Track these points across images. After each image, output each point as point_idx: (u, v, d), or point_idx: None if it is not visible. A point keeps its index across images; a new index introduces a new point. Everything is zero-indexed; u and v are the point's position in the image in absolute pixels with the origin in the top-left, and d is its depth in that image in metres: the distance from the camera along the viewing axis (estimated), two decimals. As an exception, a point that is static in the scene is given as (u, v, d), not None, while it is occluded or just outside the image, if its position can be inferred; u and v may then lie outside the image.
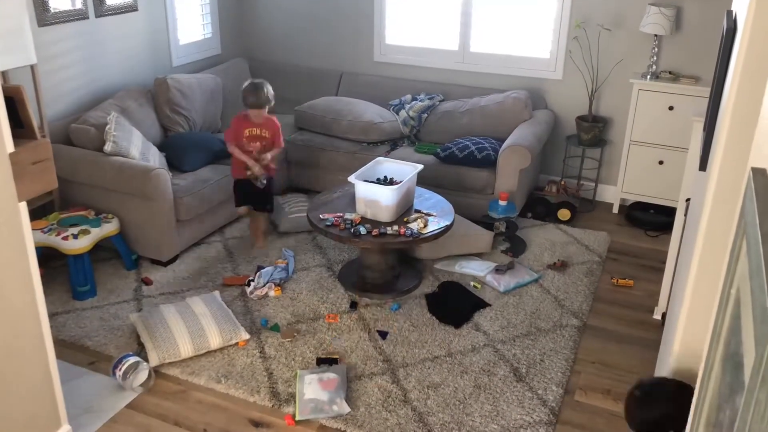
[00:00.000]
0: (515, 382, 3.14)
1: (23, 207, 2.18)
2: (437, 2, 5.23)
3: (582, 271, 4.11)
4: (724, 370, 0.86)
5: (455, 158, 4.53)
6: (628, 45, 4.73)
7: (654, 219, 4.74)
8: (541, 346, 3.40)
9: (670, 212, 4.57)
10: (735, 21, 1.94)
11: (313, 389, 2.98)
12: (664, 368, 2.16)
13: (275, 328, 3.48)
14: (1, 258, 2.15)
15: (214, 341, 3.28)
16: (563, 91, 5.03)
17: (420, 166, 3.90)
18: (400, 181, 3.76)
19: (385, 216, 3.65)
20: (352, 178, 3.73)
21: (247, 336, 3.36)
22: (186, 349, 3.23)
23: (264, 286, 3.78)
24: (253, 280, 3.81)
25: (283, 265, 3.95)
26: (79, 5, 4.32)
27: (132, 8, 4.73)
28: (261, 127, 4.04)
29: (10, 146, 2.06)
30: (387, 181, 3.88)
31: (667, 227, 4.44)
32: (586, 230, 4.64)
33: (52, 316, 3.49)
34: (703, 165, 2.16)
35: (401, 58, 5.43)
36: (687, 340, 1.85)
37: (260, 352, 3.31)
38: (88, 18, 4.40)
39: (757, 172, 0.96)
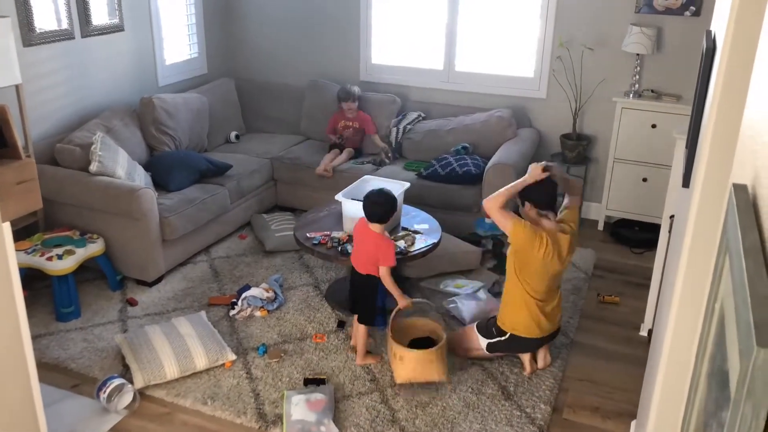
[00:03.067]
0: (503, 401, 3.13)
1: (7, 227, 2.16)
2: (422, 22, 5.29)
3: (568, 289, 4.12)
4: (710, 386, 0.87)
5: (438, 175, 4.55)
6: (610, 64, 4.80)
7: (639, 236, 4.77)
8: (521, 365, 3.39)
9: (655, 229, 4.61)
10: (714, 41, 1.98)
11: (301, 410, 2.95)
12: (652, 385, 2.16)
13: (262, 348, 3.45)
14: (-16, 279, 2.12)
15: (200, 362, 3.24)
16: (547, 109, 5.08)
17: (407, 184, 3.91)
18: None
19: (372, 234, 3.64)
20: (339, 197, 3.74)
21: (233, 357, 3.34)
22: (172, 371, 3.19)
23: (248, 308, 3.76)
24: (236, 303, 3.78)
25: (269, 295, 3.82)
26: (65, 25, 4.32)
27: (118, 28, 4.74)
28: (353, 120, 5.02)
29: (-7, 166, 2.04)
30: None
31: (651, 244, 4.47)
32: (572, 247, 4.66)
33: (35, 338, 3.44)
34: (686, 182, 2.19)
35: (387, 77, 5.47)
36: (673, 357, 1.85)
37: (247, 373, 3.28)
38: (74, 38, 4.40)
39: (738, 188, 0.98)
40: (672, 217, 3.23)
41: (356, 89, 5.13)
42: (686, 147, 2.37)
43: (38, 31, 4.14)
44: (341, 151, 5.02)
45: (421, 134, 5.03)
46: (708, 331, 0.95)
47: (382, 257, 3.21)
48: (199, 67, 5.62)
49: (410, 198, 4.27)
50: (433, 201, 4.52)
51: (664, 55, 4.67)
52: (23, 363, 2.36)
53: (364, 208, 3.26)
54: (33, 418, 2.49)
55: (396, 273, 4.09)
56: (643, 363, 3.31)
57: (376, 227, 3.24)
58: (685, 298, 1.79)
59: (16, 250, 3.60)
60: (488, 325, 3.30)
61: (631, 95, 4.69)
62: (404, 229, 3.81)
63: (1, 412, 2.31)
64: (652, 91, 4.70)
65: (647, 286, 3.65)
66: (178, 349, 3.25)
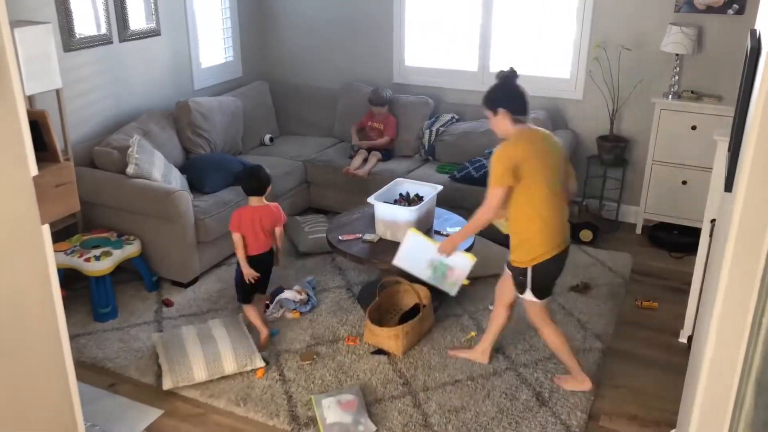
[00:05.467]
0: (538, 407, 3.08)
1: (46, 229, 2.20)
2: (456, 24, 5.25)
3: (605, 293, 4.04)
4: (757, 402, 0.83)
5: (471, 178, 4.51)
6: (649, 65, 4.70)
7: (678, 240, 4.66)
8: (565, 370, 3.33)
9: (695, 233, 4.49)
10: (759, 40, 1.91)
11: (334, 413, 2.95)
12: (692, 394, 2.10)
13: (274, 332, 3.56)
14: (24, 280, 2.17)
15: (229, 367, 3.26)
16: (584, 111, 5.00)
17: (440, 187, 3.88)
18: (422, 198, 3.76)
19: (404, 237, 3.62)
20: (371, 199, 3.73)
21: (262, 364, 3.32)
22: (200, 374, 3.21)
23: (281, 310, 3.77)
24: (270, 305, 3.80)
25: (302, 298, 3.84)
26: (103, 30, 4.40)
27: (155, 33, 4.81)
28: (380, 123, 5.09)
29: (33, 169, 2.08)
30: (410, 198, 3.86)
31: (691, 248, 4.36)
32: (609, 251, 4.58)
33: (73, 337, 3.50)
34: (729, 185, 2.12)
35: (420, 79, 5.44)
36: (715, 368, 1.79)
37: (279, 375, 3.29)
38: (112, 43, 4.48)
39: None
40: (713, 221, 3.14)
41: (387, 93, 5.16)
42: (728, 150, 2.30)
43: (78, 36, 4.22)
44: (367, 156, 4.99)
45: (455, 136, 4.99)
46: (755, 345, 0.91)
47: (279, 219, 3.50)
48: (234, 71, 5.68)
49: (443, 201, 4.24)
50: (466, 204, 4.47)
51: (705, 55, 4.55)
52: (61, 362, 2.40)
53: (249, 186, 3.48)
54: (71, 415, 2.54)
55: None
56: (683, 370, 3.22)
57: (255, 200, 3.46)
58: (727, 308, 1.73)
59: (55, 252, 3.68)
60: (517, 282, 3.10)
61: (670, 96, 4.58)
62: (437, 232, 3.78)
63: (40, 409, 2.36)
64: (692, 92, 4.59)
65: (686, 292, 3.56)
66: (208, 352, 3.28)
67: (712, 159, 3.28)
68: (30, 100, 3.73)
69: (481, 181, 4.47)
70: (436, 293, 3.53)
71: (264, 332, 3.50)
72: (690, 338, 3.45)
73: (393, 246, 3.58)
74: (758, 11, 2.39)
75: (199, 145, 4.73)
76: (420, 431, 2.93)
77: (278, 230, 3.50)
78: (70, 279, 3.91)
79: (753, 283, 1.44)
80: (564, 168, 3.02)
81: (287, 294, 3.83)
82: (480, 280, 4.15)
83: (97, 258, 3.73)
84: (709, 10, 4.43)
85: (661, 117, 4.57)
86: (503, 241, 4.33)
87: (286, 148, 5.26)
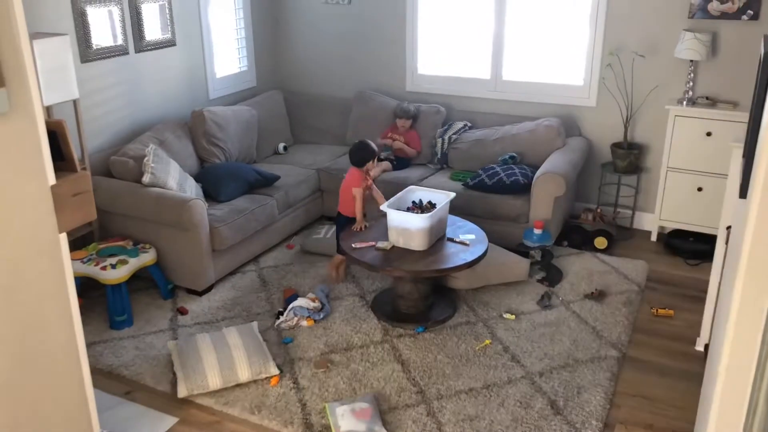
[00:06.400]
0: (553, 416, 3.07)
1: (63, 238, 2.23)
2: (469, 32, 5.27)
3: (620, 301, 4.02)
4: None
5: (484, 185, 4.51)
6: (663, 71, 4.68)
7: (694, 247, 4.63)
8: (580, 379, 3.32)
9: (711, 240, 4.46)
10: (773, 46, 1.91)
11: (348, 421, 2.95)
12: (709, 403, 2.08)
13: (288, 340, 3.58)
14: (42, 288, 2.20)
15: (243, 374, 3.27)
16: (597, 118, 4.98)
17: (452, 194, 3.88)
18: (435, 205, 3.76)
19: (417, 244, 3.64)
20: (384, 207, 3.74)
21: (276, 371, 3.33)
22: (215, 382, 3.22)
23: (295, 317, 3.78)
24: (282, 312, 3.81)
25: (316, 305, 3.85)
26: (120, 41, 4.46)
27: (170, 43, 4.87)
28: (402, 135, 5.11)
29: (51, 179, 2.11)
30: (422, 206, 3.87)
31: (707, 255, 4.33)
32: (624, 259, 4.55)
33: (89, 345, 3.54)
34: (744, 192, 2.11)
35: (433, 87, 5.46)
36: (731, 377, 1.78)
37: (294, 383, 3.30)
38: (128, 54, 4.54)
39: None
40: (729, 228, 3.12)
41: (413, 108, 5.20)
42: (743, 156, 2.29)
43: (95, 47, 4.28)
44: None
45: (468, 144, 4.99)
46: (769, 351, 0.90)
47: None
48: (249, 80, 5.73)
49: (457, 208, 4.25)
50: (479, 211, 4.48)
51: (720, 61, 4.53)
52: (78, 369, 2.42)
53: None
54: (88, 422, 2.56)
55: (442, 284, 4.06)
56: (699, 379, 3.20)
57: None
58: (743, 315, 1.72)
59: (72, 260, 3.72)
60: None
61: (684, 103, 4.56)
62: (449, 239, 3.79)
63: (57, 416, 2.38)
64: (707, 98, 4.56)
65: (703, 299, 3.53)
66: (223, 359, 3.29)
67: (727, 165, 3.26)
68: (48, 110, 3.79)
69: (494, 188, 4.49)
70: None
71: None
72: (707, 346, 3.41)
73: (406, 253, 3.58)
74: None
75: (214, 154, 4.77)
76: (434, 439, 2.92)
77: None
78: (86, 287, 3.95)
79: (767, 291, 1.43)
80: None
81: (301, 302, 3.84)
82: (492, 288, 4.14)
83: (113, 266, 3.77)
84: (723, 16, 4.41)
85: (676, 123, 4.54)
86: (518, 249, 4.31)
87: (300, 157, 5.29)
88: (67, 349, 2.35)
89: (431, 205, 3.84)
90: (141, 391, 3.28)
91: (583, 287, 4.17)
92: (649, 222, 4.97)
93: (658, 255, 4.68)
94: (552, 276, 4.26)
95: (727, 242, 3.10)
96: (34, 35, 3.59)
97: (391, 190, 4.52)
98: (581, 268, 4.41)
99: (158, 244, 4.07)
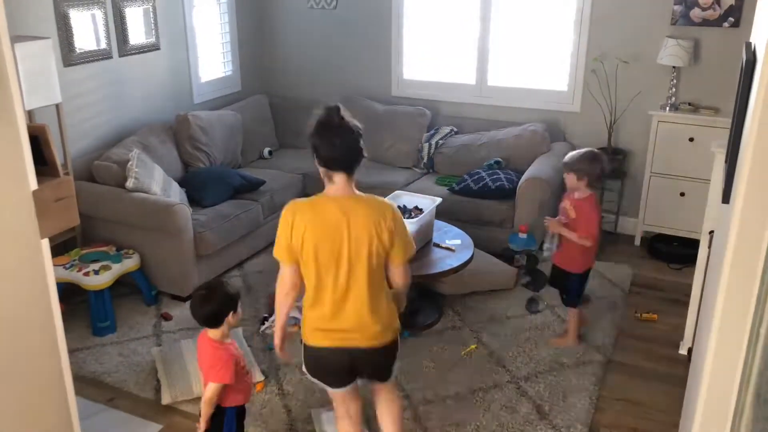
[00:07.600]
0: (538, 420, 3.07)
1: (45, 243, 2.20)
2: (454, 37, 5.29)
3: (605, 306, 4.04)
4: (756, 413, 0.83)
5: (470, 190, 4.53)
6: (646, 77, 4.73)
7: (677, 251, 4.66)
8: (565, 383, 3.33)
9: (694, 244, 4.50)
10: (754, 53, 1.93)
11: (334, 427, 2.93)
12: (693, 407, 2.10)
13: (271, 346, 3.49)
14: (23, 294, 2.17)
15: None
16: (581, 123, 5.02)
17: (438, 199, 3.89)
18: (421, 210, 3.76)
19: (403, 250, 3.63)
20: (370, 213, 3.72)
21: (261, 377, 3.32)
22: (199, 388, 3.20)
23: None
24: (267, 318, 3.79)
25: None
26: (103, 45, 4.42)
27: (155, 47, 4.83)
28: (572, 202, 3.40)
29: (33, 184, 2.09)
30: (409, 210, 3.87)
31: (690, 260, 4.36)
32: (608, 263, 4.57)
33: (71, 352, 3.49)
34: (726, 197, 2.13)
35: (419, 92, 5.47)
36: (715, 381, 1.79)
37: (279, 389, 3.28)
38: (112, 57, 4.50)
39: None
40: (711, 232, 3.15)
41: (604, 159, 3.50)
42: (726, 161, 2.31)
43: (78, 51, 4.24)
44: None
45: (454, 149, 5.01)
46: (753, 356, 0.91)
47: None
48: (233, 85, 5.70)
49: (442, 213, 4.24)
50: (465, 216, 4.49)
51: (702, 68, 4.58)
52: (60, 376, 2.39)
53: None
54: (70, 429, 2.52)
55: (430, 289, 4.05)
56: (683, 382, 3.22)
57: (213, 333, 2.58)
58: (726, 319, 1.73)
59: (54, 266, 3.67)
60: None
61: (667, 108, 4.60)
62: (436, 244, 3.79)
63: (39, 424, 2.35)
64: (690, 104, 4.61)
65: (686, 303, 3.56)
66: (210, 364, 3.26)
67: (709, 170, 3.29)
68: (30, 114, 3.74)
69: (480, 193, 4.50)
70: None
71: None
72: (690, 350, 3.44)
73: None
74: (753, 24, 2.40)
75: (198, 159, 4.74)
76: (420, 445, 2.92)
77: None
78: (69, 293, 3.90)
79: (751, 294, 1.44)
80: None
81: (286, 307, 3.82)
82: (478, 293, 4.15)
83: (96, 272, 3.73)
84: (705, 23, 4.46)
85: (659, 129, 4.59)
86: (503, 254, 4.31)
87: (285, 162, 5.27)
88: (49, 355, 2.32)
89: (418, 210, 3.84)
90: (124, 398, 3.24)
91: (568, 292, 4.19)
92: (633, 227, 5.01)
93: (641, 259, 4.71)
94: (537, 281, 4.27)
95: (710, 246, 3.13)
96: (15, 38, 3.55)
97: (377, 194, 4.51)
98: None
99: (142, 249, 4.04)
